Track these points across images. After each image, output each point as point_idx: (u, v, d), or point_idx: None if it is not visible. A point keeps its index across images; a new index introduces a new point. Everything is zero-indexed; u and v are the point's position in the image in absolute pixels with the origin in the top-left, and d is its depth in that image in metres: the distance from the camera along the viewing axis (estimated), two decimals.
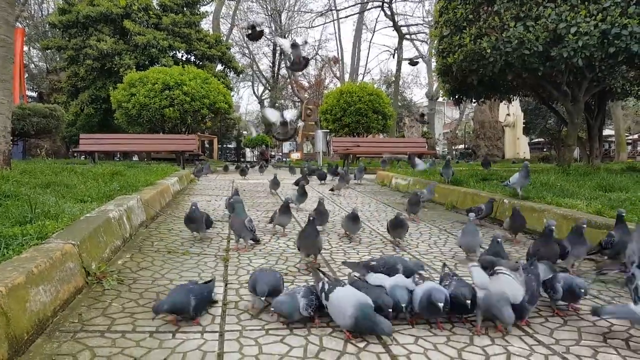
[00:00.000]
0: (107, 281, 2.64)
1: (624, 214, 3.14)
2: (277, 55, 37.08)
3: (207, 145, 24.89)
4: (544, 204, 4.55)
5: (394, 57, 28.89)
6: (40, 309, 2.01)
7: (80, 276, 2.50)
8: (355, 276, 2.54)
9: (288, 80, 37.86)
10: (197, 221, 3.72)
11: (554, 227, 2.84)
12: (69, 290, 2.34)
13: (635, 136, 31.64)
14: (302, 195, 5.40)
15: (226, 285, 2.74)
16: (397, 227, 3.76)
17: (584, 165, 9.94)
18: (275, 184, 7.04)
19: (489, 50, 7.20)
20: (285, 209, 4.09)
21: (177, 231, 4.25)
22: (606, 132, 21.89)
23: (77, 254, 2.54)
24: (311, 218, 3.02)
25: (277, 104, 39.61)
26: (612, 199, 4.65)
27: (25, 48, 26.10)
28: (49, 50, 25.90)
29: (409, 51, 53.47)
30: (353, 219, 3.85)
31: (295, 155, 24.18)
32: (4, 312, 1.74)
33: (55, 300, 2.16)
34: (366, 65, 42.96)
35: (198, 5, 23.43)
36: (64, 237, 2.61)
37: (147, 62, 20.26)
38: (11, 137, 6.06)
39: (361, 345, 1.99)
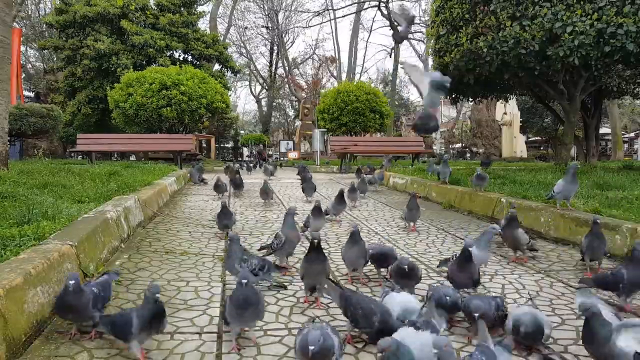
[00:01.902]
0: None
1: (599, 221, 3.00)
2: (274, 54, 37.06)
3: (204, 145, 24.85)
4: (541, 203, 4.56)
5: (390, 57, 28.94)
6: (38, 311, 2.01)
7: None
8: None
9: (285, 79, 37.83)
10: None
11: None
12: None
13: (632, 134, 31.66)
14: (340, 204, 4.74)
15: (224, 285, 2.75)
16: (404, 277, 2.49)
17: (581, 163, 9.97)
18: (265, 192, 5.93)
19: (485, 50, 7.22)
20: (317, 212, 3.84)
21: (175, 231, 4.25)
22: (603, 130, 21.90)
23: (75, 255, 2.53)
24: (315, 241, 2.38)
25: (274, 104, 39.58)
26: (610, 197, 4.67)
27: (23, 48, 26.02)
28: (46, 51, 25.78)
29: (405, 51, 53.49)
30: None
31: (293, 155, 24.14)
32: (1, 313, 1.73)
33: (53, 301, 2.16)
34: (363, 64, 42.80)
35: (195, 5, 23.38)
36: (62, 238, 2.61)
37: (144, 62, 20.20)
38: (8, 138, 6.04)
39: (359, 345, 2.00)
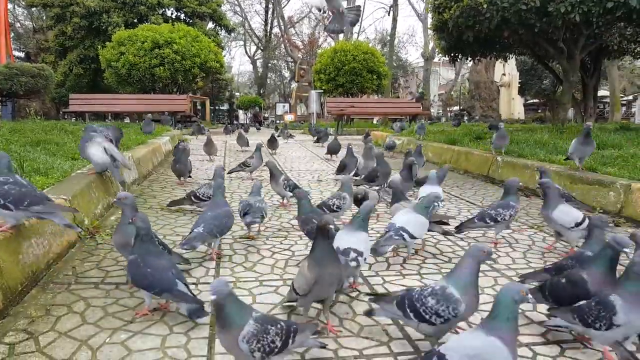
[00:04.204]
0: (100, 236, 2.66)
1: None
2: (269, 13, 36.06)
3: (199, 107, 24.55)
4: (537, 161, 4.57)
5: (389, 15, 28.22)
6: (34, 262, 2.02)
7: (72, 231, 2.50)
8: None
9: (281, 39, 36.98)
10: None
11: None
12: (62, 244, 2.34)
13: (630, 97, 31.38)
14: (408, 180, 3.65)
15: (220, 240, 2.76)
16: None
17: (578, 124, 9.92)
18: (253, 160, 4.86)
19: (485, 6, 7.02)
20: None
21: (170, 189, 4.25)
22: (601, 92, 21.63)
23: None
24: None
25: (270, 65, 38.87)
26: (605, 155, 4.67)
27: (10, 6, 25.14)
28: (35, 8, 24.97)
29: (404, 9, 52.12)
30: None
31: (289, 117, 23.89)
32: None
33: (48, 253, 2.17)
34: (361, 23, 41.74)
35: None
36: (55, 192, 2.60)
37: (135, 20, 19.69)
38: None
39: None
